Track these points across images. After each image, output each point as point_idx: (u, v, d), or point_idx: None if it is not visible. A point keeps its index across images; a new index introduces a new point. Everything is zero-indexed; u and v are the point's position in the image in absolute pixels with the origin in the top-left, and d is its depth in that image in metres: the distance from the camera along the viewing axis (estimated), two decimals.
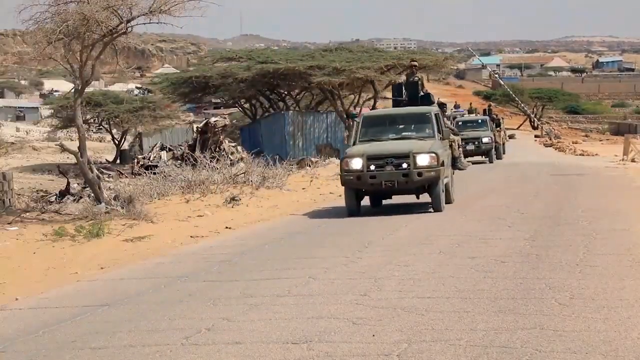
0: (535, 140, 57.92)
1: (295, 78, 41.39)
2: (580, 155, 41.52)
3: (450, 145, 18.31)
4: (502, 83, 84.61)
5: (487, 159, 35.90)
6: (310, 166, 33.30)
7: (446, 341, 6.45)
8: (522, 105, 76.02)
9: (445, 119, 19.00)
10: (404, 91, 19.29)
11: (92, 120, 52.61)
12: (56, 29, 16.55)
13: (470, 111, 50.11)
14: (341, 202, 17.73)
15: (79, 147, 17.70)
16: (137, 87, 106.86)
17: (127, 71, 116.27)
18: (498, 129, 39.47)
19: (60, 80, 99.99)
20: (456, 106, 76.03)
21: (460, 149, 20.09)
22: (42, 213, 17.41)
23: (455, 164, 19.20)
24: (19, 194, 21.59)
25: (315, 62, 40.69)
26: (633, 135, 45.38)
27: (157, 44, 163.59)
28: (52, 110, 57.00)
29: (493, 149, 36.24)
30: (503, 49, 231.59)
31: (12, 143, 55.40)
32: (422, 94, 19.27)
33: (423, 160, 16.10)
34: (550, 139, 55.82)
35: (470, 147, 35.30)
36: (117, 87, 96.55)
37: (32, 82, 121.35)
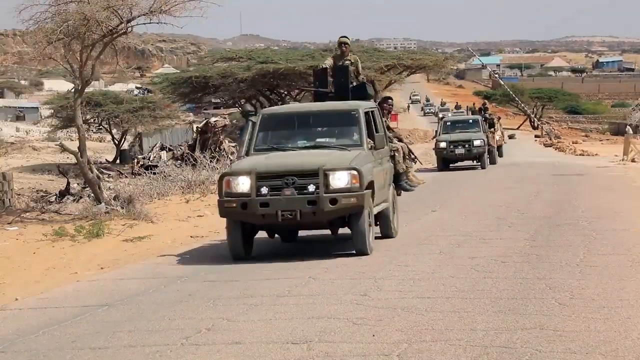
0: (536, 140, 57.82)
1: (295, 78, 41.40)
2: (580, 155, 41.46)
3: (393, 157, 13.35)
4: (502, 83, 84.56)
5: (479, 164, 32.25)
6: None
7: (446, 341, 6.45)
8: (522, 105, 75.99)
9: (385, 119, 13.89)
10: (329, 80, 13.87)
11: (92, 120, 52.49)
12: (56, 29, 16.56)
13: (473, 112, 49.63)
14: None
15: (79, 147, 17.69)
16: (137, 87, 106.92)
17: (127, 71, 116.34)
18: (492, 129, 35.40)
19: (60, 80, 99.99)
20: (457, 107, 76.13)
21: (408, 160, 14.15)
22: (42, 213, 17.41)
23: (399, 182, 13.60)
24: (19, 194, 21.58)
25: (315, 62, 40.62)
26: (633, 135, 45.29)
27: (157, 44, 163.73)
28: (52, 110, 57.00)
29: (486, 153, 32.32)
30: (503, 49, 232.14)
31: (12, 143, 55.38)
32: (354, 83, 14.16)
33: (339, 180, 11.10)
34: (550, 139, 55.71)
35: (460, 150, 31.63)
36: (117, 87, 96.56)
37: (32, 82, 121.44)
